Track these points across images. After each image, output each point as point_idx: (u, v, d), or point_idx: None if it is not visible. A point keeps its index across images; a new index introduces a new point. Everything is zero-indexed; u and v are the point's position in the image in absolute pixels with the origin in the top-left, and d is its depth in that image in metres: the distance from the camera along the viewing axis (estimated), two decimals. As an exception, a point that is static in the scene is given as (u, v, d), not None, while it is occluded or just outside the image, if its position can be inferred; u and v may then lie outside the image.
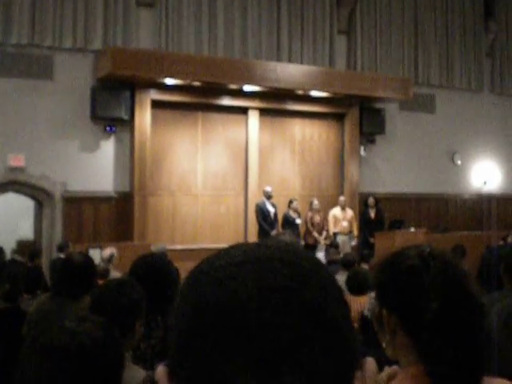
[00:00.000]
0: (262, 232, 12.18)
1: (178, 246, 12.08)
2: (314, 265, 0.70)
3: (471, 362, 1.47)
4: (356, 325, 5.75)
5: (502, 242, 11.71)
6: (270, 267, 0.65)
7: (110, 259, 6.83)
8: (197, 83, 12.61)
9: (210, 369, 0.62)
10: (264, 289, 0.63)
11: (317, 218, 13.03)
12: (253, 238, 12.77)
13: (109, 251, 6.97)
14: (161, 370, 0.69)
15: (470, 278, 1.59)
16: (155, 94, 12.58)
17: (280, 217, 12.75)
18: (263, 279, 0.64)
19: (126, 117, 12.29)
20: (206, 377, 0.62)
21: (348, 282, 6.29)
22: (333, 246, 11.83)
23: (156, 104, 12.65)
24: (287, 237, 3.57)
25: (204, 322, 0.64)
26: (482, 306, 1.56)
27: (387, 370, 1.63)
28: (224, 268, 0.67)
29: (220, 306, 0.64)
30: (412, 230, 13.63)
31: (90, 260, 4.17)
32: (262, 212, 12.40)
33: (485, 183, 17.11)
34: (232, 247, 0.71)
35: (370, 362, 0.72)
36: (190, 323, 0.65)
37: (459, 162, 16.83)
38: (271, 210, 12.54)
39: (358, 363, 0.69)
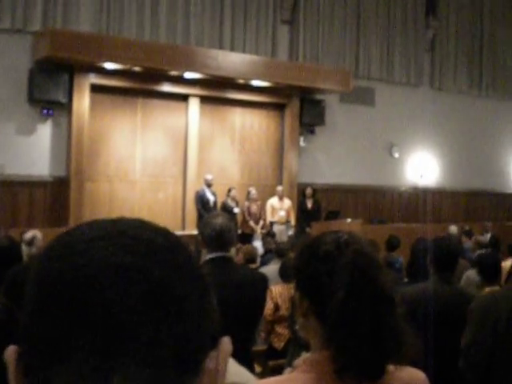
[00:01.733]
0: (201, 219, 12.33)
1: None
2: (171, 243, 0.69)
3: (374, 351, 1.49)
4: (286, 312, 6.06)
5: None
6: (121, 244, 0.64)
7: (30, 242, 6.81)
8: (137, 68, 12.62)
9: (51, 346, 0.61)
10: (111, 266, 0.62)
11: (254, 208, 13.23)
12: (191, 225, 12.94)
13: (30, 234, 6.96)
14: (10, 349, 0.66)
15: (380, 269, 1.62)
16: (94, 78, 12.56)
17: (219, 205, 12.90)
18: (111, 256, 0.62)
19: (64, 100, 12.25)
20: (46, 354, 0.61)
21: (280, 269, 6.64)
22: (269, 235, 12.10)
23: (95, 88, 12.63)
24: (220, 219, 3.66)
25: (46, 298, 0.62)
26: (390, 298, 1.58)
27: (304, 355, 1.70)
28: (73, 244, 0.65)
29: (64, 282, 0.62)
30: (348, 220, 13.96)
31: (14, 244, 4.26)
32: (201, 200, 12.56)
33: (421, 176, 17.66)
34: (85, 223, 0.69)
35: (226, 342, 0.71)
36: (34, 299, 0.64)
37: (397, 155, 17.35)
38: (211, 198, 12.70)
39: (213, 343, 0.69)
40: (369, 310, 1.51)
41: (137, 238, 0.66)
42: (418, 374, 1.72)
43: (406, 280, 6.96)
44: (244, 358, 2.96)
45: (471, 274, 7.24)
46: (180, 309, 0.64)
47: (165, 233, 0.71)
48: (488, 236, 13.39)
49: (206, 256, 3.71)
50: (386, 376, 1.54)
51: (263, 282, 3.92)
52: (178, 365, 0.63)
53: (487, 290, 4.90)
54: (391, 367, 1.57)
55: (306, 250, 1.68)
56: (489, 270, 5.22)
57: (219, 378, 0.69)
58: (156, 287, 0.62)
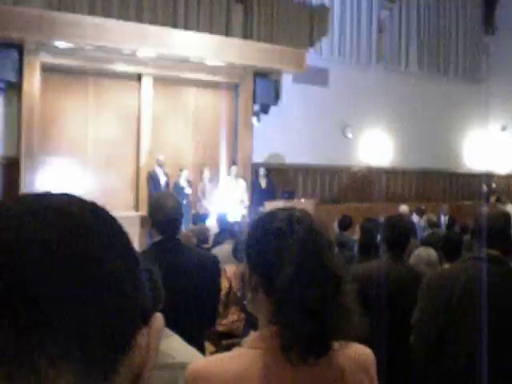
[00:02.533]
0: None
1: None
2: (99, 218, 0.68)
3: (320, 328, 1.52)
4: (238, 292, 6.16)
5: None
6: (47, 219, 0.63)
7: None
8: (89, 47, 12.53)
9: None
10: (36, 242, 0.61)
11: (208, 188, 13.30)
12: (144, 206, 12.94)
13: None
14: None
15: (330, 247, 1.64)
16: (45, 57, 12.43)
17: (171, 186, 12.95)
18: (37, 232, 0.62)
19: (14, 79, 12.13)
20: None
21: (233, 249, 6.77)
22: (223, 215, 12.19)
23: (46, 67, 12.52)
24: (171, 202, 3.67)
25: None
26: (339, 276, 1.59)
27: (252, 333, 1.76)
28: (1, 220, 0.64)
29: None
30: (302, 200, 14.17)
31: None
32: (153, 180, 12.60)
33: (374, 156, 17.94)
34: (12, 199, 0.68)
35: (158, 318, 0.72)
36: None
37: (350, 135, 17.60)
38: (163, 178, 12.74)
39: (145, 320, 0.69)
40: (317, 286, 1.52)
41: (63, 214, 0.65)
42: (365, 350, 1.76)
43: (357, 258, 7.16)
44: (196, 339, 3.05)
45: (421, 252, 7.47)
46: (108, 285, 0.63)
47: (93, 208, 0.70)
48: (446, 218, 13.74)
49: (155, 238, 3.71)
50: (332, 353, 1.59)
51: (214, 264, 3.90)
52: (107, 342, 0.62)
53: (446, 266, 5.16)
54: (336, 344, 1.60)
55: (257, 226, 1.69)
56: (453, 249, 5.47)
57: (151, 355, 0.69)
58: (82, 262, 0.62)
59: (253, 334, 1.70)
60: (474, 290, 3.14)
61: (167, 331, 2.57)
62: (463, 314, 3.17)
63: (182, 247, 3.76)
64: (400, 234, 4.18)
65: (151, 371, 0.70)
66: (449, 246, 5.66)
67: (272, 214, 1.68)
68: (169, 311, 2.60)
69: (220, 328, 6.10)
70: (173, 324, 2.64)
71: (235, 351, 1.66)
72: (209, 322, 3.96)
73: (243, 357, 1.58)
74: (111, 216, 0.71)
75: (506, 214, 3.44)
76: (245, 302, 4.99)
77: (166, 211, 3.62)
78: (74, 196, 0.71)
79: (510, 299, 3.16)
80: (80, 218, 0.66)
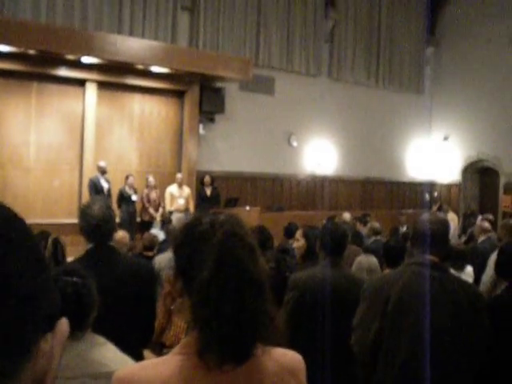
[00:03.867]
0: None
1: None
2: (3, 217, 0.68)
3: (236, 333, 1.51)
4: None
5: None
6: None
7: None
8: (32, 52, 12.35)
9: None
10: None
11: (153, 195, 13.32)
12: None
13: None
14: None
15: (251, 251, 1.61)
16: (-13, 61, 12.28)
17: (115, 192, 12.90)
18: None
19: (-47, 83, 11.95)
20: None
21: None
22: (166, 223, 12.20)
23: (-13, 72, 12.37)
24: (96, 209, 3.59)
25: None
26: (258, 281, 1.58)
27: (182, 339, 1.70)
28: None
29: None
30: (247, 208, 14.28)
31: None
32: (95, 187, 12.51)
33: (319, 165, 18.20)
34: None
35: (63, 323, 0.70)
36: None
37: (295, 144, 17.82)
38: (105, 185, 12.68)
39: (50, 325, 0.68)
40: (233, 291, 1.52)
41: None
42: (294, 355, 1.76)
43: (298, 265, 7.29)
44: (132, 348, 3.02)
45: (362, 259, 7.66)
46: (8, 289, 0.61)
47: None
48: (404, 228, 14.01)
49: (87, 246, 3.66)
50: (255, 358, 1.59)
51: (148, 273, 3.83)
52: (6, 348, 0.61)
53: (386, 271, 5.32)
54: (261, 349, 1.60)
55: (183, 230, 1.70)
56: (393, 256, 5.64)
57: (54, 360, 0.68)
58: None
59: (182, 340, 1.67)
60: (410, 295, 3.21)
61: (101, 339, 2.58)
62: (397, 321, 3.22)
63: (113, 254, 3.70)
64: (336, 240, 4.28)
65: (55, 376, 0.69)
66: (389, 254, 5.84)
67: (197, 218, 1.69)
68: (102, 319, 2.64)
69: (166, 341, 5.97)
70: (107, 332, 2.64)
71: (162, 358, 1.67)
72: (145, 331, 3.83)
73: (168, 363, 1.59)
74: (18, 217, 0.70)
75: (444, 221, 3.51)
76: (172, 308, 4.99)
77: (89, 218, 3.56)
78: None
79: (447, 305, 3.22)
80: None
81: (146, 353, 4.11)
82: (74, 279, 2.53)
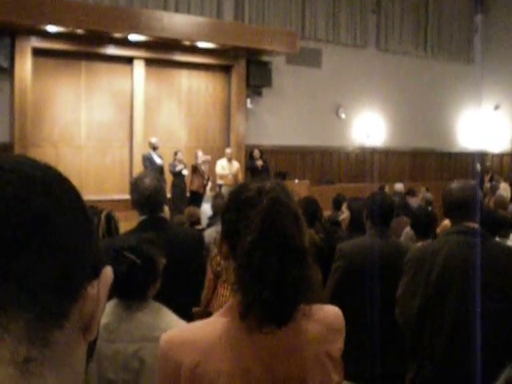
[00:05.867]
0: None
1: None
2: (50, 176, 0.71)
3: (277, 296, 1.54)
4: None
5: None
6: (2, 178, 0.66)
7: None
8: (80, 31, 12.54)
9: None
10: None
11: (202, 169, 13.34)
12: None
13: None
14: None
15: (295, 219, 1.63)
16: (36, 42, 12.50)
17: (167, 168, 12.99)
18: None
19: (5, 65, 12.20)
20: None
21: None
22: (218, 197, 12.25)
23: (37, 52, 12.59)
24: (148, 181, 3.65)
25: None
26: (299, 248, 1.59)
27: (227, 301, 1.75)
28: None
29: None
30: (296, 181, 14.24)
31: None
32: (150, 162, 12.60)
33: (368, 137, 18.03)
34: None
35: (108, 271, 0.75)
36: None
37: (343, 116, 17.68)
38: (158, 161, 12.77)
39: (96, 273, 0.73)
40: (276, 256, 1.54)
41: (16, 172, 0.67)
42: (336, 313, 1.81)
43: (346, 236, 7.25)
44: (183, 308, 3.07)
45: (409, 229, 7.58)
46: (59, 239, 0.66)
47: (45, 167, 0.72)
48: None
49: (139, 218, 3.72)
50: (299, 318, 1.63)
51: (196, 240, 3.90)
52: (57, 290, 0.66)
53: (420, 244, 5.19)
54: (305, 309, 1.63)
55: (230, 196, 1.73)
56: (421, 226, 5.52)
57: (100, 305, 0.72)
58: (35, 217, 0.65)
59: (227, 302, 1.72)
60: (455, 263, 3.18)
61: (157, 305, 2.68)
62: (442, 290, 3.19)
63: (164, 225, 3.75)
64: (382, 211, 4.23)
65: (100, 321, 0.74)
66: (417, 224, 5.67)
67: (244, 186, 1.71)
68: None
69: (213, 311, 5.93)
70: (162, 293, 2.74)
71: (207, 320, 1.72)
72: (196, 293, 3.96)
73: (213, 325, 1.64)
74: (62, 176, 0.74)
75: (473, 187, 3.44)
76: (218, 269, 5.07)
77: (141, 190, 3.63)
78: (26, 156, 0.73)
79: (493, 272, 3.16)
80: (32, 176, 0.68)
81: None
82: (135, 258, 2.63)
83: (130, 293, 2.64)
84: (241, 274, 1.57)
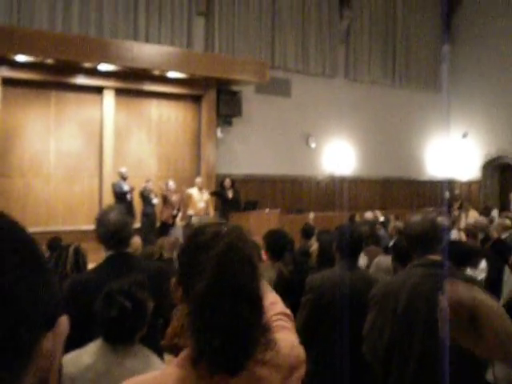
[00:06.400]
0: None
1: (31, 229, 11.95)
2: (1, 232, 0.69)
3: (228, 344, 1.51)
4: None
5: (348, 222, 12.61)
6: None
7: None
8: (50, 61, 12.52)
9: None
10: None
11: (173, 199, 13.32)
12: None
13: None
14: None
15: (249, 265, 1.60)
16: (6, 71, 12.43)
17: (136, 197, 12.97)
18: None
19: (-27, 94, 12.10)
20: None
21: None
22: (188, 226, 12.25)
23: (6, 81, 12.52)
24: (114, 215, 3.60)
25: None
26: (252, 295, 1.58)
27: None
28: None
29: None
30: (266, 210, 14.27)
31: None
32: (120, 190, 12.61)
33: (337, 166, 18.15)
34: None
35: (63, 323, 0.71)
36: None
37: (313, 145, 17.81)
38: (127, 190, 12.74)
39: (51, 324, 0.70)
40: (227, 303, 1.52)
41: None
42: (292, 347, 1.78)
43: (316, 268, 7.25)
44: (150, 346, 3.06)
45: (381, 259, 7.59)
46: (7, 294, 0.63)
47: None
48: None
49: (106, 253, 3.66)
50: (250, 370, 1.59)
51: (167, 276, 3.74)
52: (8, 349, 0.63)
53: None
54: (254, 362, 1.59)
55: (187, 238, 1.72)
56: (403, 256, 5.53)
57: (56, 358, 0.70)
58: None
59: (181, 352, 1.67)
60: (419, 296, 3.17)
61: (145, 350, 2.72)
62: (409, 323, 3.17)
63: (132, 260, 3.72)
64: (351, 242, 4.24)
65: (57, 373, 0.71)
66: (398, 253, 5.70)
67: (201, 228, 1.69)
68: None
69: (181, 344, 5.91)
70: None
71: (161, 370, 1.71)
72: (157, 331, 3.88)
73: (167, 375, 1.61)
74: (16, 228, 0.71)
75: (433, 220, 3.47)
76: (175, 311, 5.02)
77: (107, 224, 3.56)
78: None
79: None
80: None
81: (166, 356, 4.15)
82: (126, 302, 2.68)
83: (118, 337, 2.64)
84: (193, 321, 1.55)
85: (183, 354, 1.63)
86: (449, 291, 1.48)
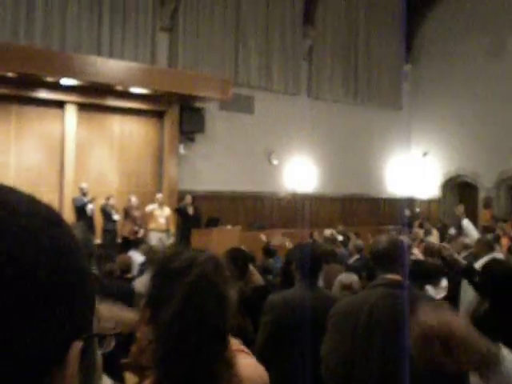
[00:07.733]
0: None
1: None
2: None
3: (191, 377, 1.51)
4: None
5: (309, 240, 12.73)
6: None
7: None
8: (11, 74, 12.42)
9: None
10: None
11: (135, 215, 13.31)
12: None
13: None
14: None
15: (220, 300, 1.60)
16: (-35, 84, 12.31)
17: (97, 213, 12.94)
18: None
19: None
20: None
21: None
22: (145, 242, 12.20)
23: (-34, 95, 12.40)
24: (77, 232, 3.68)
25: None
26: (216, 328, 1.57)
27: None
28: None
29: None
30: (228, 227, 14.33)
31: None
32: (80, 206, 12.58)
33: (299, 183, 18.29)
34: None
35: (76, 346, 0.66)
36: None
37: (275, 162, 17.95)
38: (88, 206, 12.70)
39: (66, 347, 0.66)
40: (193, 335, 1.52)
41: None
42: (254, 372, 1.78)
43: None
44: (112, 369, 3.09)
45: (342, 277, 7.69)
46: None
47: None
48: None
49: None
50: None
51: (126, 296, 3.93)
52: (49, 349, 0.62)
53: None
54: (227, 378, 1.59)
55: (161, 261, 1.70)
56: (371, 274, 5.65)
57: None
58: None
59: (145, 381, 1.67)
60: (379, 316, 3.18)
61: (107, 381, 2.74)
62: (368, 342, 3.16)
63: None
64: (310, 262, 4.24)
65: None
66: (368, 271, 5.80)
67: (177, 253, 1.68)
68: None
69: (144, 363, 5.92)
70: None
71: None
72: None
73: None
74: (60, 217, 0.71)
75: (397, 241, 3.53)
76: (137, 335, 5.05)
77: None
78: (15, 188, 0.72)
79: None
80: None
81: (127, 374, 4.15)
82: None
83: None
84: (156, 348, 1.55)
85: (147, 382, 1.64)
86: (420, 317, 1.50)
